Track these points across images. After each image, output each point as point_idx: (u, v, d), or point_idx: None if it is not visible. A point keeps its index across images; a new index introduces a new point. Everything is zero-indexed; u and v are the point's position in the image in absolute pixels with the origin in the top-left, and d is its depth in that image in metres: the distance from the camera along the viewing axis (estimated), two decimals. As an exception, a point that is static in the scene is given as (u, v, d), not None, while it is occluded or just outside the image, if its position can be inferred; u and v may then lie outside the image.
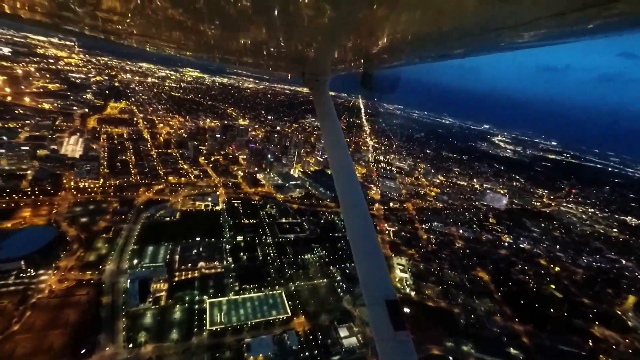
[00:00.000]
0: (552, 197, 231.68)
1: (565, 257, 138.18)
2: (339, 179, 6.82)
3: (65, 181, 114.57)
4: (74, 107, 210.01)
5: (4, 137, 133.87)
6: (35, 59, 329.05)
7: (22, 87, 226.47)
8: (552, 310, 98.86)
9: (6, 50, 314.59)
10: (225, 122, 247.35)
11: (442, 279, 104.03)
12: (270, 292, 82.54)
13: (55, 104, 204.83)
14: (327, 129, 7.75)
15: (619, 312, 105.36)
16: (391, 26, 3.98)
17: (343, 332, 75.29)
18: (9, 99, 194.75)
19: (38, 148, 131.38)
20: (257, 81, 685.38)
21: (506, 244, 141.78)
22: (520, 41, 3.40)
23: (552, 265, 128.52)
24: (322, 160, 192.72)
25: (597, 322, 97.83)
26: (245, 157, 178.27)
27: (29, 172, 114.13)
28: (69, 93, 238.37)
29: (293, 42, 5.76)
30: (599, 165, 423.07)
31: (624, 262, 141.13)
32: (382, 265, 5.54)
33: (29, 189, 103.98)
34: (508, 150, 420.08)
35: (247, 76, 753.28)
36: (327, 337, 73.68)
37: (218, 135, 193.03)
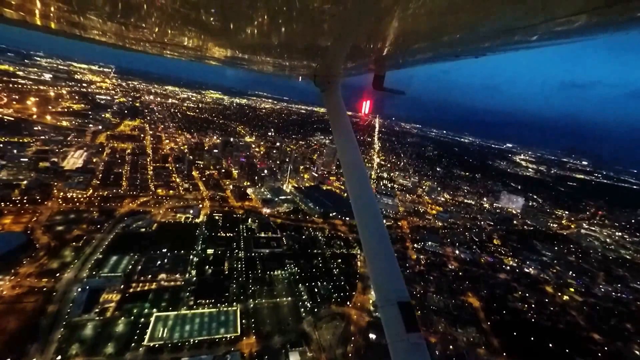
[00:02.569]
0: (572, 219, 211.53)
1: (577, 284, 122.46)
2: (350, 179, 6.74)
3: (55, 191, 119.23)
4: (90, 125, 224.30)
5: (14, 151, 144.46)
6: (70, 83, 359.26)
7: (50, 107, 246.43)
8: (550, 344, 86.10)
9: (47, 76, 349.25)
10: (232, 139, 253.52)
11: (423, 304, 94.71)
12: (224, 309, 78.06)
13: (73, 122, 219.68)
14: (339, 130, 7.63)
15: (637, 352, 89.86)
16: (404, 26, 3.82)
17: (294, 357, 68.78)
18: (34, 117, 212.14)
19: (40, 160, 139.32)
20: (274, 102, 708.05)
21: (508, 267, 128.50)
22: (539, 39, 3.31)
23: (559, 294, 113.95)
24: (317, 175, 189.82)
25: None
26: (238, 171, 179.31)
27: (24, 182, 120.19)
28: (89, 112, 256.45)
29: (304, 45, 5.75)
30: (634, 187, 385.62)
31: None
32: (395, 267, 5.48)
33: (18, 198, 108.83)
34: (529, 170, 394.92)
35: (265, 97, 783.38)
36: (275, 361, 67.55)
37: (216, 151, 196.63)
